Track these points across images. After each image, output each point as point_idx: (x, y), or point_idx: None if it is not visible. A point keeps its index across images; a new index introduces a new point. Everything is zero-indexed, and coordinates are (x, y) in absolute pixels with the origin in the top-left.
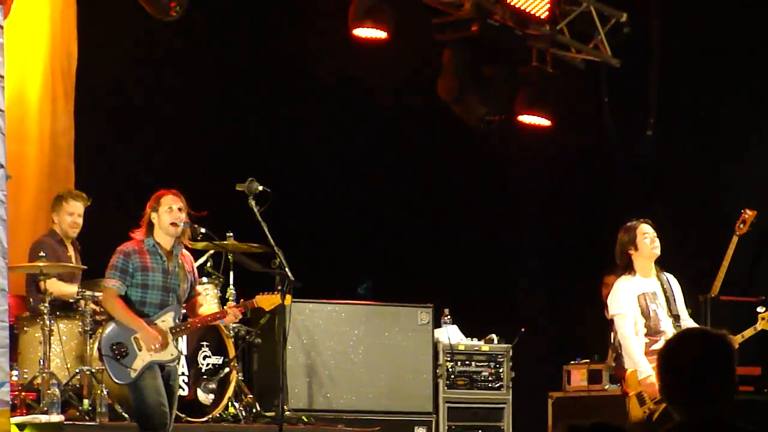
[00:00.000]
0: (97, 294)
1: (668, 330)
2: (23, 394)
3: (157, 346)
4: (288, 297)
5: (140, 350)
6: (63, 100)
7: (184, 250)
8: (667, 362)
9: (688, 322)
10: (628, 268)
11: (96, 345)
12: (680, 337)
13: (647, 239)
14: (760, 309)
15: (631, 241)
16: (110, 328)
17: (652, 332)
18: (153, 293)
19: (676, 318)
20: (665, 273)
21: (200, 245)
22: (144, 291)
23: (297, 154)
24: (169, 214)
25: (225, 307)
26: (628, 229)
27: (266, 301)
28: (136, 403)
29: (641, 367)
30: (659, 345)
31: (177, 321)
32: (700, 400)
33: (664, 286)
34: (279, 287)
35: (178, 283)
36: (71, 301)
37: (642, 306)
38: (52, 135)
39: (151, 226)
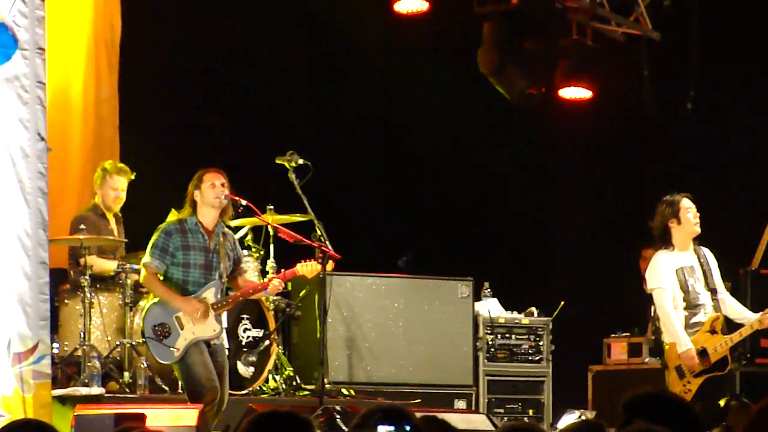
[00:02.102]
0: (136, 267)
1: (707, 303)
2: (64, 366)
3: (198, 315)
4: (330, 263)
5: (182, 329)
6: (107, 71)
7: (225, 229)
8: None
9: (725, 295)
10: (667, 241)
11: (138, 319)
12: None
13: (690, 213)
14: None
15: (674, 214)
16: (151, 310)
17: (691, 306)
18: (194, 272)
19: (713, 292)
20: (702, 247)
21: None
22: (186, 270)
23: (337, 127)
24: (212, 189)
25: (266, 278)
26: (670, 202)
27: (307, 269)
28: (186, 379)
29: (681, 340)
30: (698, 318)
31: (218, 297)
32: None
33: (701, 260)
34: (319, 260)
35: (219, 260)
36: (111, 274)
37: (680, 280)
38: (96, 105)
39: (194, 204)
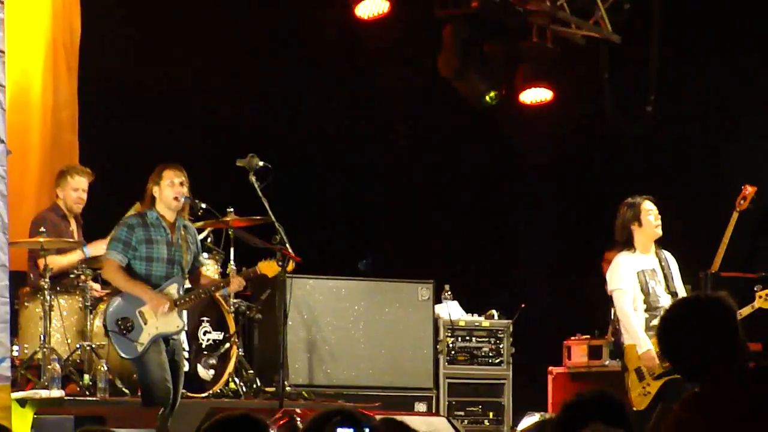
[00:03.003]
0: (97, 269)
1: (667, 306)
2: (24, 369)
3: (165, 309)
4: (291, 264)
5: (146, 324)
6: (66, 73)
7: (186, 222)
8: (668, 336)
9: None
10: (628, 243)
11: (99, 321)
12: (674, 309)
13: (651, 216)
14: (757, 288)
15: (635, 216)
16: (114, 303)
17: (651, 308)
18: (157, 266)
19: (674, 295)
20: (663, 250)
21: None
22: (149, 264)
23: (297, 130)
24: (171, 188)
25: (228, 277)
26: (631, 204)
27: (268, 267)
28: (140, 378)
29: (641, 341)
30: (658, 321)
31: (181, 292)
32: (710, 365)
33: (663, 264)
34: (280, 262)
35: (182, 254)
36: (71, 276)
37: (641, 282)
38: (54, 109)
39: (152, 199)
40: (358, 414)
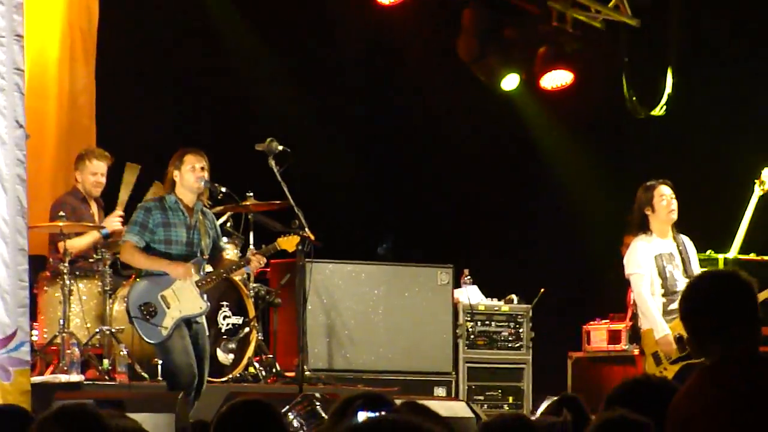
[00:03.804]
0: (116, 253)
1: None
2: (44, 353)
3: (191, 273)
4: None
5: (169, 308)
6: (83, 59)
7: (204, 208)
8: (689, 307)
9: None
10: (644, 227)
11: (119, 306)
12: (699, 281)
13: (664, 201)
14: None
15: (648, 201)
16: (135, 290)
17: (669, 293)
18: (177, 248)
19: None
20: (681, 235)
21: (219, 208)
22: (167, 246)
23: (316, 114)
24: (192, 173)
25: (247, 254)
26: (646, 188)
27: (288, 242)
28: (165, 363)
29: (658, 326)
30: (675, 305)
31: (202, 274)
32: (728, 341)
33: (680, 248)
34: (299, 247)
35: (200, 237)
36: (91, 260)
37: (659, 266)
38: (71, 94)
39: (172, 183)
40: (381, 397)
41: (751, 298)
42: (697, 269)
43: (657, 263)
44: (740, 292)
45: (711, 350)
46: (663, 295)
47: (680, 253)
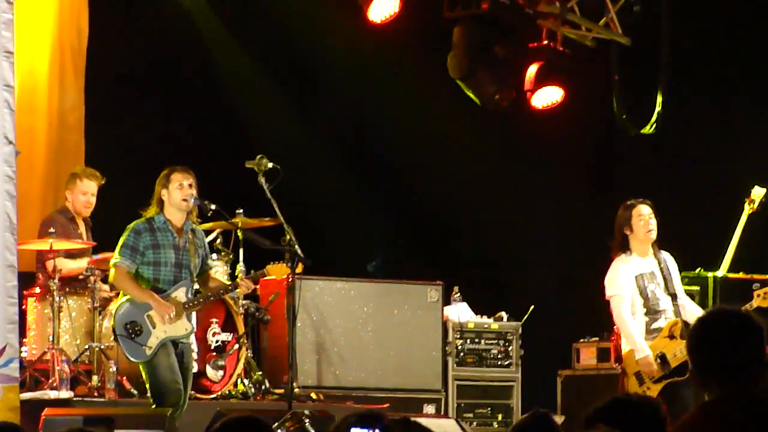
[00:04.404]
0: (106, 270)
1: (668, 308)
2: (33, 370)
3: (171, 316)
4: (299, 266)
5: (154, 327)
6: (72, 75)
7: (194, 226)
8: (697, 343)
9: (684, 300)
10: (624, 247)
11: (108, 322)
12: (708, 318)
13: (641, 221)
14: (755, 286)
15: (627, 221)
16: (122, 308)
17: (652, 312)
18: (165, 270)
19: (673, 297)
20: (663, 252)
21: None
22: (156, 268)
23: (307, 131)
24: (179, 190)
25: (237, 279)
26: (625, 208)
27: (277, 270)
28: (151, 380)
29: (638, 346)
30: (658, 324)
31: (189, 296)
32: (731, 380)
33: (662, 265)
34: (289, 264)
35: (190, 258)
36: (80, 277)
37: (640, 286)
38: (60, 111)
39: (161, 202)
40: (377, 414)
41: (759, 341)
42: (679, 286)
43: (638, 283)
44: (749, 335)
45: (713, 386)
46: (645, 314)
47: (661, 270)
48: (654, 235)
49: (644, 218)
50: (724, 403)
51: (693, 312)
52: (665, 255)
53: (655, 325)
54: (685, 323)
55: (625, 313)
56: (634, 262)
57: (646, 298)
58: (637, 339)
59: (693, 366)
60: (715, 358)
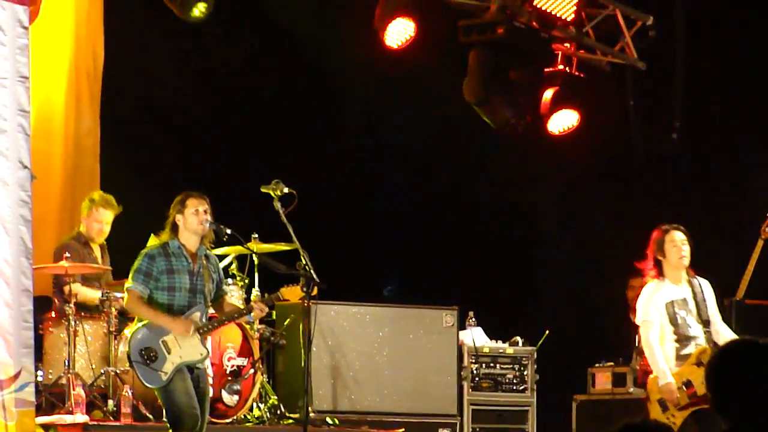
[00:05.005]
0: (120, 296)
1: (699, 335)
2: (48, 394)
3: (190, 332)
4: (314, 290)
5: (169, 353)
6: (88, 100)
7: (208, 251)
8: (715, 372)
9: (719, 326)
10: (658, 273)
11: (123, 347)
12: (729, 347)
13: (674, 248)
14: None
15: (660, 247)
16: (137, 334)
17: (682, 338)
18: (180, 295)
19: (705, 323)
20: (698, 278)
21: (223, 249)
22: (171, 294)
23: (323, 156)
24: (195, 216)
25: (251, 303)
26: (659, 233)
27: (291, 293)
28: (167, 405)
29: (661, 373)
30: (688, 350)
31: (204, 320)
32: (748, 409)
33: (695, 290)
34: (304, 288)
35: (204, 283)
36: (96, 303)
37: (670, 313)
38: (76, 135)
39: (175, 227)
40: None
41: None
42: (714, 312)
43: (668, 310)
44: (752, 366)
45: (730, 414)
46: (676, 341)
47: (694, 296)
48: (687, 261)
49: (677, 244)
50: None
51: (727, 338)
52: (701, 281)
53: (684, 351)
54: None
55: (652, 340)
56: (666, 288)
57: (676, 324)
58: (661, 365)
59: (710, 393)
60: (731, 387)
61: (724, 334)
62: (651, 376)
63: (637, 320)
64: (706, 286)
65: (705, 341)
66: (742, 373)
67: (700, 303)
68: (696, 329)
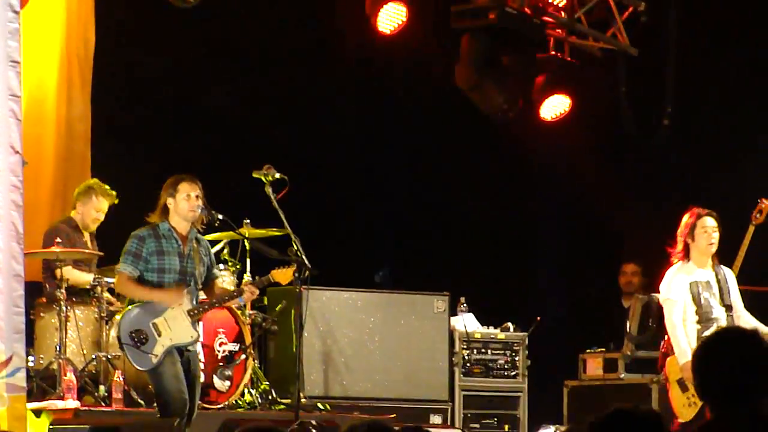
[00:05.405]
0: (111, 281)
1: (720, 318)
2: (39, 380)
3: (181, 299)
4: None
5: (159, 336)
6: (79, 86)
7: (198, 235)
8: (701, 361)
9: (742, 312)
10: (685, 255)
11: (115, 332)
12: (716, 336)
13: (705, 233)
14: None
15: (690, 231)
16: (127, 316)
17: (704, 320)
18: (170, 277)
19: (728, 308)
20: (723, 267)
21: (215, 235)
22: (161, 275)
23: (314, 141)
24: (187, 201)
25: (241, 286)
26: (690, 217)
27: (282, 275)
28: (156, 389)
29: (683, 351)
30: (710, 332)
31: (194, 303)
32: (734, 399)
33: (719, 277)
34: (295, 274)
35: (195, 266)
36: (87, 287)
37: (693, 293)
38: (68, 121)
39: (165, 210)
40: (383, 425)
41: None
42: (737, 300)
43: (692, 290)
44: (757, 357)
45: (716, 404)
46: (697, 322)
47: (718, 282)
48: (715, 248)
49: (708, 231)
50: (725, 423)
51: (748, 323)
52: (725, 270)
53: (706, 333)
54: None
55: (675, 318)
56: (691, 269)
57: (699, 305)
58: (683, 345)
59: (696, 383)
60: (717, 378)
61: (747, 320)
62: (669, 358)
63: (660, 298)
64: (729, 275)
65: (727, 324)
66: (727, 363)
67: (723, 288)
68: (718, 311)
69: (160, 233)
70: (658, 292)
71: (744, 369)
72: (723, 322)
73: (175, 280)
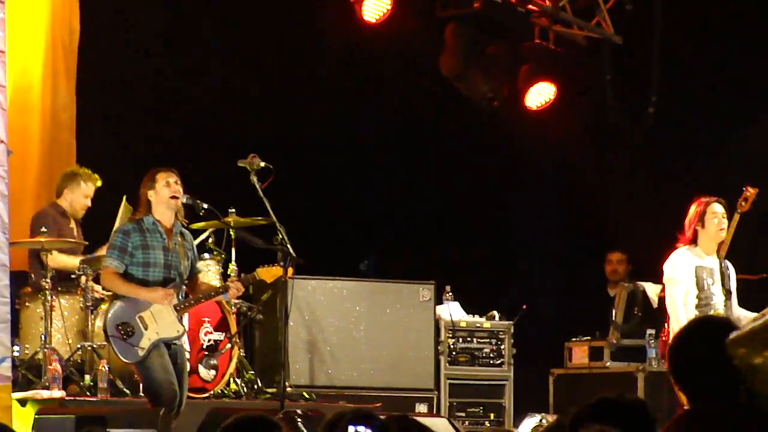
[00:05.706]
0: (98, 270)
1: (719, 303)
2: (24, 369)
3: (170, 299)
4: (290, 270)
5: (146, 329)
6: (64, 75)
7: (183, 229)
8: (676, 352)
9: (734, 302)
10: (693, 241)
11: (100, 322)
12: (690, 326)
13: (715, 219)
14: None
15: (700, 218)
16: (113, 308)
17: (703, 304)
18: (155, 271)
19: (728, 294)
20: (725, 260)
21: (200, 224)
22: (146, 269)
23: (299, 130)
24: (167, 188)
25: (227, 281)
26: (700, 204)
27: (267, 273)
28: (145, 382)
29: None
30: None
31: (180, 298)
32: (709, 391)
33: (722, 267)
34: (281, 263)
35: (179, 260)
36: (72, 276)
37: (698, 276)
38: (53, 110)
39: (148, 205)
40: (369, 413)
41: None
42: (734, 293)
43: (697, 273)
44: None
45: (691, 396)
46: (696, 306)
47: (721, 271)
48: (725, 234)
49: (718, 216)
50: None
51: (740, 315)
52: (727, 263)
53: None
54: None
55: (676, 297)
56: (698, 253)
57: (701, 288)
58: (683, 323)
59: (670, 374)
60: (692, 369)
61: (734, 310)
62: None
63: (664, 278)
64: (731, 268)
65: (724, 310)
66: (702, 354)
67: (726, 277)
68: (719, 297)
69: (144, 227)
70: (644, 281)
71: (716, 360)
72: (720, 308)
73: (160, 275)
